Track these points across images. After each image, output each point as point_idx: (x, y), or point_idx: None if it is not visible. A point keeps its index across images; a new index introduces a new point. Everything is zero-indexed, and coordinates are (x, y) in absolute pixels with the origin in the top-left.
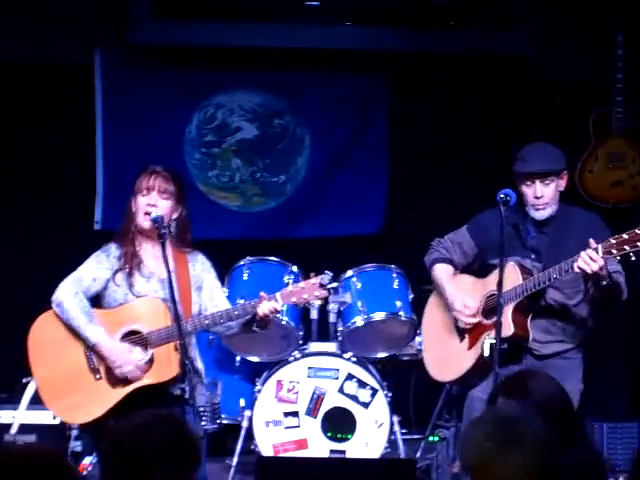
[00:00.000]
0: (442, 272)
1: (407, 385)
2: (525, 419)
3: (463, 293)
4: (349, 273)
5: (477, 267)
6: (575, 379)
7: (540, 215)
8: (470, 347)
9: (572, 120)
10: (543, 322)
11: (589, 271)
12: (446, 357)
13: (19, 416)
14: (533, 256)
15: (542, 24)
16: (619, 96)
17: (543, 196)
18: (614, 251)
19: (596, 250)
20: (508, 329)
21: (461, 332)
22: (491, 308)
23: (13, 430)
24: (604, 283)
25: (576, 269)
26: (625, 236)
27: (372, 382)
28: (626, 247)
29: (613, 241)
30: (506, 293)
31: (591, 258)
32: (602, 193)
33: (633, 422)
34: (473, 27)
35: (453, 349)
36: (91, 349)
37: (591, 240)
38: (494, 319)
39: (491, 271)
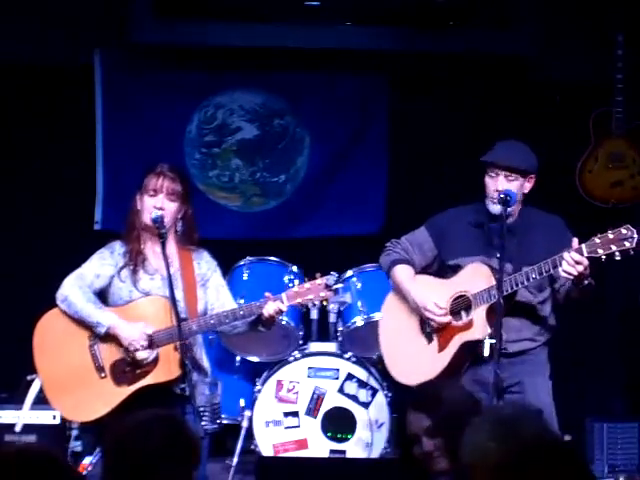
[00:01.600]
0: (403, 274)
1: (407, 385)
2: (522, 418)
3: (428, 294)
4: (349, 273)
5: (436, 268)
6: (544, 375)
7: (496, 209)
8: (441, 350)
9: (572, 120)
10: (512, 321)
11: (575, 273)
12: (413, 360)
13: (23, 414)
14: (499, 255)
15: (542, 24)
16: (619, 96)
17: (503, 191)
18: (600, 250)
19: (579, 251)
20: (484, 330)
21: (428, 335)
22: (459, 310)
23: (18, 428)
24: (586, 282)
25: (562, 273)
26: (610, 235)
27: (372, 382)
28: (612, 246)
29: (598, 240)
30: (477, 294)
31: (575, 261)
32: (602, 193)
33: (633, 422)
34: (473, 27)
35: (421, 352)
36: (99, 343)
37: (575, 240)
38: (464, 320)
39: (455, 272)
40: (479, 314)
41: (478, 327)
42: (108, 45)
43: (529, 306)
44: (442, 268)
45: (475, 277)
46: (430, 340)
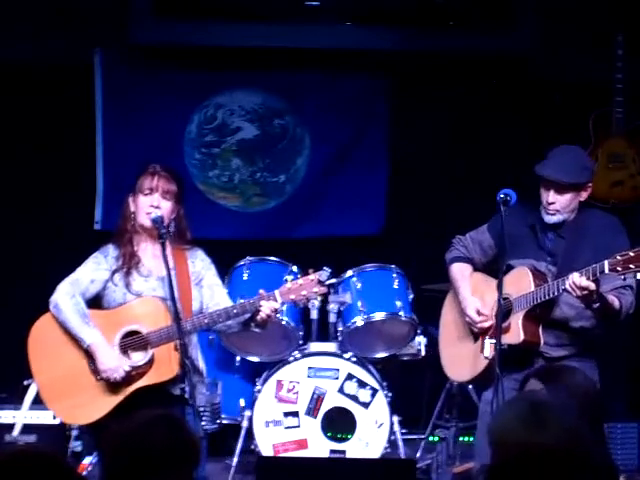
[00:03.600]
0: (458, 272)
1: (407, 385)
2: (554, 405)
3: (478, 294)
4: (349, 273)
5: (498, 266)
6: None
7: (549, 219)
8: (482, 350)
9: (572, 120)
10: (555, 325)
11: (573, 294)
12: (461, 357)
13: (21, 418)
14: (549, 259)
15: (542, 24)
16: (619, 96)
17: (554, 203)
18: (619, 269)
19: (585, 274)
20: (518, 336)
21: (474, 334)
22: (504, 312)
23: (15, 432)
24: (595, 306)
25: (567, 287)
26: (631, 254)
27: (372, 382)
28: (631, 266)
29: (619, 258)
30: (517, 299)
31: (575, 283)
32: (602, 193)
33: (633, 422)
34: (473, 27)
35: (468, 350)
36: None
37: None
38: (507, 323)
39: (507, 272)
40: (516, 320)
41: (513, 332)
42: (108, 45)
43: (574, 311)
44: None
45: (518, 281)
46: (476, 340)
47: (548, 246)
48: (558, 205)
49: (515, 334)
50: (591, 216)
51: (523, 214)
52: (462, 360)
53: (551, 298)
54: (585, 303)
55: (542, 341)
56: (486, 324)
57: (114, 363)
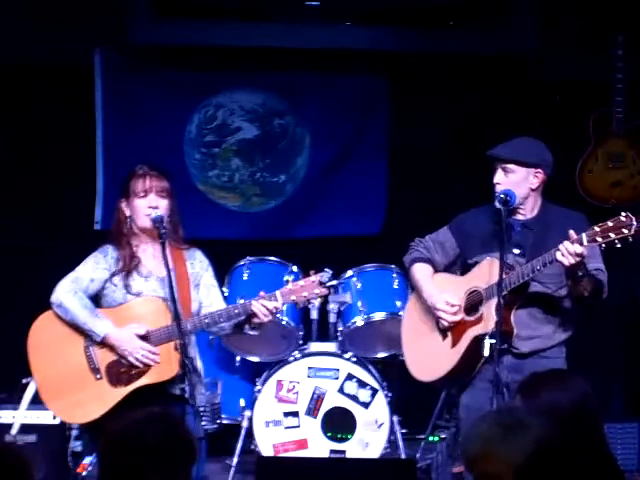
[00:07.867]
0: (421, 272)
1: (407, 385)
2: (524, 411)
3: (443, 292)
4: (349, 273)
5: (459, 267)
6: None
7: (496, 205)
8: (453, 345)
9: (572, 120)
10: (525, 317)
11: (567, 263)
12: (428, 357)
13: (19, 416)
14: (517, 252)
15: (542, 24)
16: (619, 96)
17: (500, 183)
18: (599, 239)
19: (577, 241)
20: (492, 323)
21: (443, 331)
22: (473, 304)
23: (14, 430)
24: (580, 274)
25: (558, 257)
26: (610, 223)
27: (372, 382)
28: (611, 234)
29: (597, 229)
30: (486, 289)
31: (569, 251)
32: (602, 193)
33: (633, 422)
34: (473, 27)
35: (435, 349)
36: (94, 345)
37: (571, 231)
38: (477, 315)
39: (471, 268)
40: (488, 309)
41: (487, 321)
42: (108, 45)
43: (546, 302)
44: (465, 267)
45: (488, 272)
46: (445, 336)
47: (516, 239)
48: (503, 186)
49: (489, 322)
50: (558, 211)
51: (486, 211)
52: (429, 360)
53: (521, 284)
54: (573, 273)
55: (515, 330)
56: (457, 317)
57: (133, 345)
